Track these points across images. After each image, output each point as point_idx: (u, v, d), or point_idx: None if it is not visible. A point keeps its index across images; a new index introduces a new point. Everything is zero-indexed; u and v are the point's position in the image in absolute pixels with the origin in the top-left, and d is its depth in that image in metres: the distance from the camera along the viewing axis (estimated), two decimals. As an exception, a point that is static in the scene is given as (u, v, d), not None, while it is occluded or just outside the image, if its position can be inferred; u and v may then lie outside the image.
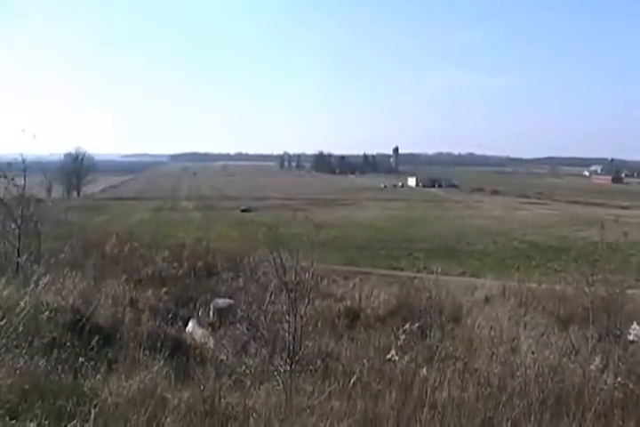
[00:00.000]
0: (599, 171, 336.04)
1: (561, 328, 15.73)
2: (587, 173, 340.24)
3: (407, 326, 14.01)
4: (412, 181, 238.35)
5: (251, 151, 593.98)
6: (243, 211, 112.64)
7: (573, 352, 11.32)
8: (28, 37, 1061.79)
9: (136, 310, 14.80)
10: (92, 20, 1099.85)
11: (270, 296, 11.77)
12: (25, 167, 18.68)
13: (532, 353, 10.14)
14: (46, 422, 5.88)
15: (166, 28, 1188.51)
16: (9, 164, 18.59)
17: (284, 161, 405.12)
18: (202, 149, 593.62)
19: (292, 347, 9.53)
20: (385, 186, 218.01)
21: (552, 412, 6.62)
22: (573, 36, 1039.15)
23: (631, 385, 7.94)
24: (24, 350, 7.67)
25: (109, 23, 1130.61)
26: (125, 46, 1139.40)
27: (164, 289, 21.57)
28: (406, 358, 9.34)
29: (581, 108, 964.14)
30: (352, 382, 8.10)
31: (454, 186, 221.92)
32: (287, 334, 9.69)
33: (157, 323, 13.31)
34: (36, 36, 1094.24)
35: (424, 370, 8.52)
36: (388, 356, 9.48)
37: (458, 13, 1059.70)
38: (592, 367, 9.16)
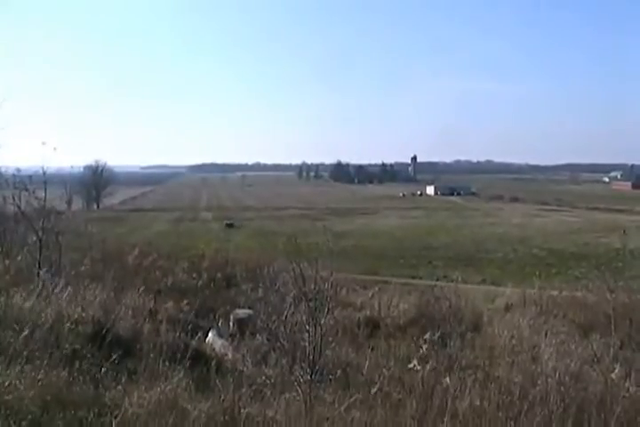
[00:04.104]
0: (619, 177, 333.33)
1: (582, 336, 15.57)
2: (606, 180, 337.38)
3: (428, 334, 13.99)
4: (430, 190, 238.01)
5: (269, 161, 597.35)
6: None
7: (595, 360, 11.24)
8: (45, 51, 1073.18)
9: (156, 322, 14.82)
10: (109, 36, 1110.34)
11: (290, 306, 11.77)
12: (45, 180, 18.86)
13: (554, 361, 10.09)
14: (68, 434, 5.93)
15: (179, 40, 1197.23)
16: (30, 177, 18.79)
17: (303, 171, 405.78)
18: (220, 160, 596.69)
19: (312, 357, 9.52)
20: (404, 195, 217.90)
21: (574, 421, 6.58)
22: (589, 43, 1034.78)
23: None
24: (45, 362, 7.73)
25: (126, 39, 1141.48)
26: (144, 59, 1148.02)
27: (183, 300, 21.58)
28: (427, 367, 9.32)
29: (601, 114, 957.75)
30: (373, 391, 8.08)
31: (473, 194, 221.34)
32: (307, 344, 9.68)
33: (177, 334, 13.33)
34: (53, 50, 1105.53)
35: (445, 379, 8.49)
36: (410, 365, 9.45)
37: (474, 21, 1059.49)
38: (614, 375, 9.07)
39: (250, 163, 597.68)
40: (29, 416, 6.13)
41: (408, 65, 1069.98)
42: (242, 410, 6.88)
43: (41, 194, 18.30)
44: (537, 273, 32.27)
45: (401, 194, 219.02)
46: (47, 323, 9.24)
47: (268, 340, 12.59)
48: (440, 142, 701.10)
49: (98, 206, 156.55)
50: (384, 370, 9.97)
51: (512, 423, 6.55)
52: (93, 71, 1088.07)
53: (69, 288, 12.52)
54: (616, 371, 9.48)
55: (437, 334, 14.98)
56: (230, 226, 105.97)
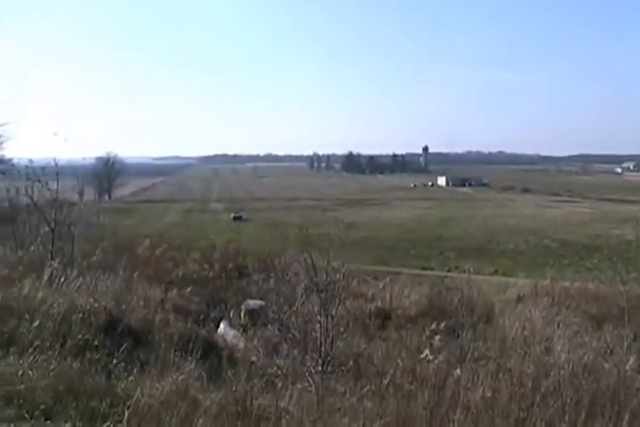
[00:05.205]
0: (632, 167, 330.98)
1: (595, 328, 15.50)
2: (619, 170, 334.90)
3: (439, 325, 13.97)
4: (441, 181, 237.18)
5: (280, 152, 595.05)
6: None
7: (608, 352, 11.18)
8: (54, 41, 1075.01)
9: (167, 312, 14.88)
10: (118, 25, 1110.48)
11: (301, 297, 11.76)
12: (58, 171, 18.91)
13: (566, 353, 10.04)
14: (80, 424, 5.95)
15: (190, 33, 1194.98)
16: (43, 168, 18.86)
17: (314, 162, 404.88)
18: (231, 151, 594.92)
19: (323, 348, 9.53)
20: (415, 185, 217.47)
21: (587, 412, 6.52)
22: (600, 33, 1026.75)
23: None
24: (57, 352, 7.75)
25: (136, 29, 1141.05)
26: (153, 51, 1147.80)
27: (195, 291, 21.65)
28: (439, 358, 9.30)
29: (614, 105, 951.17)
30: (384, 382, 8.06)
31: (485, 185, 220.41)
32: (319, 335, 9.69)
33: (189, 324, 13.38)
34: (62, 40, 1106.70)
35: (457, 370, 8.46)
36: (423, 355, 9.44)
37: (487, 9, 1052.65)
38: (627, 367, 9.02)
39: (261, 154, 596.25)
40: (42, 406, 6.15)
41: (420, 56, 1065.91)
42: (253, 401, 6.88)
43: (53, 185, 18.35)
44: (549, 264, 32.25)
45: (412, 184, 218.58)
46: (59, 313, 9.27)
47: (279, 330, 12.59)
48: (452, 133, 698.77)
49: (110, 197, 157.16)
50: (396, 361, 9.97)
51: (524, 415, 6.51)
52: (103, 63, 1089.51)
53: (81, 279, 12.57)
54: (630, 363, 9.43)
55: (449, 325, 14.99)
56: (238, 218, 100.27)
